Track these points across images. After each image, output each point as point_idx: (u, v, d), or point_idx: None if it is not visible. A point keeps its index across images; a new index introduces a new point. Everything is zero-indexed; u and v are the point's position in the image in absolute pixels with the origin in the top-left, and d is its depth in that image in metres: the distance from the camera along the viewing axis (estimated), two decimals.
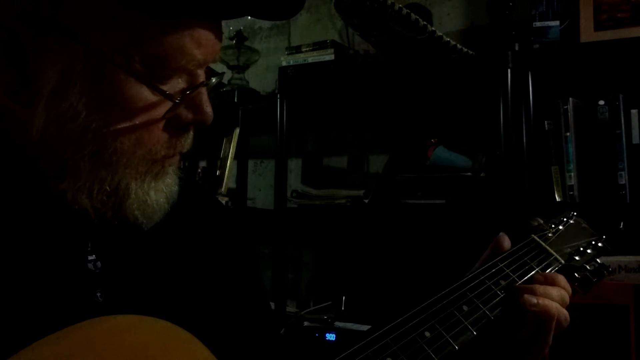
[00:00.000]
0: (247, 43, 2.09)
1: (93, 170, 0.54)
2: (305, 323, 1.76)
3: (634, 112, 1.42)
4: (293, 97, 1.88)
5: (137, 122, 0.53)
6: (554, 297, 0.66)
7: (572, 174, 1.45)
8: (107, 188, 0.54)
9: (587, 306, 1.30)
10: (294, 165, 2.17)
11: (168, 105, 0.54)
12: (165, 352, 0.51)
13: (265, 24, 2.31)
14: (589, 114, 1.46)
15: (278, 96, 1.87)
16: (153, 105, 0.54)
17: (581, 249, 0.78)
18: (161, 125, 0.55)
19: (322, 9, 2.16)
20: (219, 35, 0.56)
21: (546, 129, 1.49)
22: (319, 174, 2.13)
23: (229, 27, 2.10)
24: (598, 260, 0.78)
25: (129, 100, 0.52)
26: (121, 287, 0.57)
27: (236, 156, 2.00)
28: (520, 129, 1.48)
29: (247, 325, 0.69)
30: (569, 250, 0.77)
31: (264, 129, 2.06)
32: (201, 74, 0.57)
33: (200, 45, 0.54)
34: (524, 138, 1.48)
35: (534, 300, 0.65)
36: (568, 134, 1.46)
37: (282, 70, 1.89)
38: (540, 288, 0.67)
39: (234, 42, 2.06)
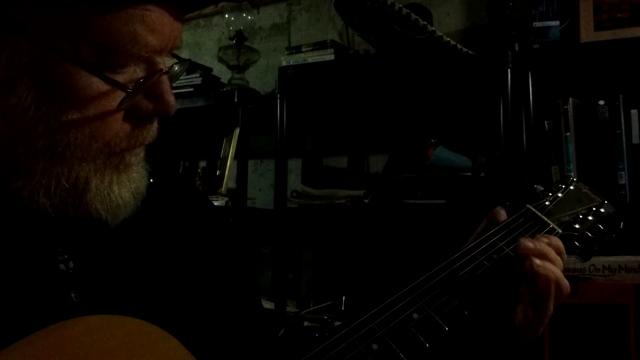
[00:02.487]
0: (247, 43, 2.09)
1: (47, 167, 0.51)
2: (305, 323, 1.75)
3: (634, 112, 1.42)
4: (293, 97, 1.88)
5: (90, 115, 0.51)
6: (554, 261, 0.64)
7: (572, 174, 1.45)
8: (65, 184, 0.52)
9: (587, 306, 1.30)
10: (294, 165, 2.17)
11: (122, 95, 0.51)
12: (139, 350, 0.50)
13: (265, 24, 2.31)
14: (589, 114, 1.46)
15: (278, 96, 1.87)
16: (106, 96, 0.51)
17: (581, 216, 0.73)
18: (119, 116, 0.53)
19: (322, 9, 2.16)
20: (176, 18, 0.53)
21: (546, 129, 1.49)
22: (319, 174, 2.13)
23: (229, 27, 2.10)
24: (600, 226, 0.73)
25: (80, 92, 0.50)
26: (96, 286, 0.56)
27: (236, 156, 2.00)
28: (520, 129, 1.48)
29: (231, 321, 0.67)
30: (567, 218, 0.73)
31: (264, 129, 2.06)
32: (161, 62, 0.54)
33: (154, 31, 0.51)
34: (524, 138, 1.48)
35: (538, 262, 0.62)
36: (568, 134, 1.46)
37: (282, 70, 1.89)
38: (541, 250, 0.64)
39: (234, 42, 2.06)
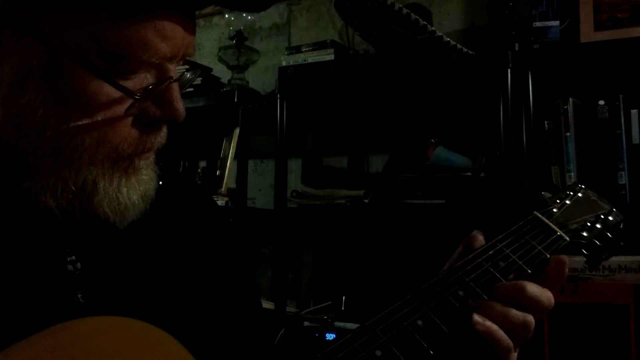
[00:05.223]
0: (247, 43, 2.09)
1: (55, 169, 0.52)
2: (305, 323, 1.75)
3: (634, 112, 1.42)
4: (293, 97, 1.88)
5: (98, 119, 0.51)
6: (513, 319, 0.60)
7: (572, 174, 1.45)
8: (72, 187, 0.52)
9: (587, 306, 1.30)
10: (294, 165, 2.17)
11: (130, 101, 0.52)
12: (141, 353, 0.50)
13: (265, 24, 2.31)
14: (589, 114, 1.46)
15: (278, 96, 1.87)
16: (115, 102, 0.51)
17: (588, 223, 0.73)
18: (128, 121, 0.53)
19: (322, 9, 2.16)
20: (188, 26, 0.54)
21: (546, 129, 1.49)
22: (319, 174, 2.13)
23: (229, 27, 2.10)
24: (609, 234, 0.72)
25: (89, 96, 0.50)
26: (103, 287, 0.56)
27: (236, 156, 2.00)
28: (520, 129, 1.48)
29: (235, 325, 0.67)
30: (575, 226, 0.72)
31: (264, 129, 2.06)
32: (171, 69, 0.54)
33: (166, 38, 0.51)
34: (524, 138, 1.48)
35: (479, 319, 0.59)
36: (568, 134, 1.46)
37: (282, 70, 1.89)
38: (497, 307, 0.60)
39: (234, 42, 2.06)
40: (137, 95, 0.52)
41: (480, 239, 0.69)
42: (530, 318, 0.60)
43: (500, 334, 0.59)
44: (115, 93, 0.51)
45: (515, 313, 0.60)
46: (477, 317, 0.59)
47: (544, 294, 0.62)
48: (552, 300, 0.62)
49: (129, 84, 0.52)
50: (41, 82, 0.50)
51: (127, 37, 0.49)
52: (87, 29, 0.49)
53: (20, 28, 0.49)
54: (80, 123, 0.51)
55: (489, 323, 0.59)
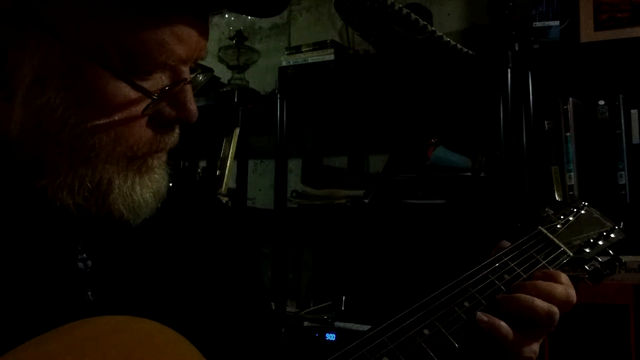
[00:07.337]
0: (247, 43, 2.09)
1: (72, 167, 0.53)
2: (305, 323, 1.75)
3: (634, 112, 1.42)
4: (293, 97, 1.88)
5: (116, 118, 0.53)
6: (556, 295, 0.63)
7: (572, 174, 1.44)
8: (89, 184, 0.54)
9: (587, 306, 1.30)
10: (294, 165, 2.17)
11: (147, 101, 0.53)
12: (152, 353, 0.50)
13: (265, 24, 2.30)
14: (589, 114, 1.46)
15: (278, 96, 1.87)
16: (132, 102, 0.53)
17: (591, 240, 0.75)
18: (143, 121, 0.55)
19: (322, 9, 2.16)
20: (203, 30, 0.56)
21: (546, 129, 1.49)
22: (319, 174, 2.13)
23: (229, 27, 2.10)
24: (610, 251, 0.74)
25: (107, 96, 0.52)
26: (113, 286, 0.57)
27: (236, 156, 2.00)
28: (520, 129, 1.48)
29: (244, 325, 0.68)
30: (578, 242, 0.74)
31: (264, 129, 2.06)
32: (185, 71, 0.56)
33: (182, 41, 0.53)
34: (524, 138, 1.48)
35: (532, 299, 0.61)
36: (568, 134, 1.46)
37: (282, 70, 1.89)
38: (537, 284, 0.64)
39: (234, 42, 2.06)
40: (155, 96, 0.53)
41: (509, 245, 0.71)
42: (554, 309, 0.62)
43: (503, 324, 0.61)
44: (133, 93, 0.53)
45: (540, 302, 0.62)
46: (481, 315, 0.61)
47: (565, 290, 0.64)
48: (572, 297, 0.64)
49: (146, 84, 0.53)
50: (61, 82, 0.51)
51: (145, 38, 0.51)
52: (106, 31, 0.50)
53: (42, 29, 0.50)
54: (98, 122, 0.52)
55: (493, 319, 0.61)
